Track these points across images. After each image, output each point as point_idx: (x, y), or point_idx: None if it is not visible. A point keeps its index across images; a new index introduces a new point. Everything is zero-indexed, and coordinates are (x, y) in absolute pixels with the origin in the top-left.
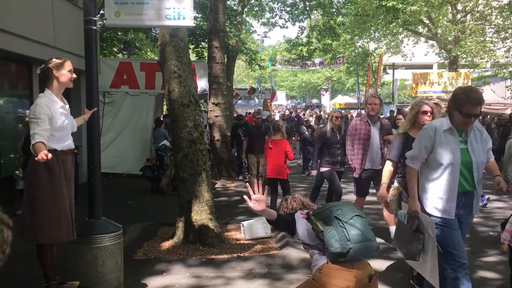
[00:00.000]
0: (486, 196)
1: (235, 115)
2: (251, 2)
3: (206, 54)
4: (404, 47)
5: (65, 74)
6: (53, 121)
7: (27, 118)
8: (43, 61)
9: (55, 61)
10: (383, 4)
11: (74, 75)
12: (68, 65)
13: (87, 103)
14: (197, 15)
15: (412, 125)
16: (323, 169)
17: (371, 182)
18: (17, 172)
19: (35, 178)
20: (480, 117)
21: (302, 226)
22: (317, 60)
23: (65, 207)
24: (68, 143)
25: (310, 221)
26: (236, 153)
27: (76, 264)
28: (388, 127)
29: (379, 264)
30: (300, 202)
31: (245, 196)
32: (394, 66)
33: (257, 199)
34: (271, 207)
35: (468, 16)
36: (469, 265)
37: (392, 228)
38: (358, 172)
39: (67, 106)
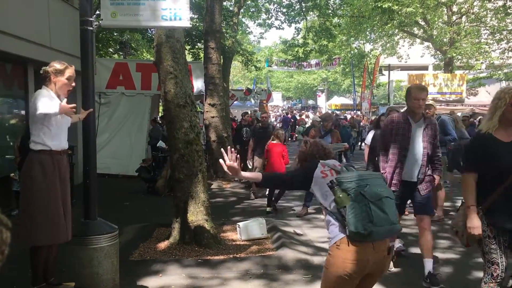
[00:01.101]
0: None
1: (232, 116)
2: (247, 3)
3: (202, 55)
4: (400, 48)
5: (62, 81)
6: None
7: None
8: (38, 62)
9: (55, 66)
10: (379, 5)
11: (73, 84)
12: (69, 73)
13: (83, 104)
14: (193, 16)
15: (499, 122)
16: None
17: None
18: (12, 174)
19: (30, 179)
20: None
21: (320, 188)
22: (313, 61)
23: (59, 208)
24: (62, 143)
25: (333, 191)
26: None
27: (71, 265)
28: (435, 127)
29: None
30: (322, 148)
31: (220, 160)
32: (389, 68)
33: (229, 165)
34: (269, 197)
35: (464, 18)
36: (465, 266)
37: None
38: (393, 185)
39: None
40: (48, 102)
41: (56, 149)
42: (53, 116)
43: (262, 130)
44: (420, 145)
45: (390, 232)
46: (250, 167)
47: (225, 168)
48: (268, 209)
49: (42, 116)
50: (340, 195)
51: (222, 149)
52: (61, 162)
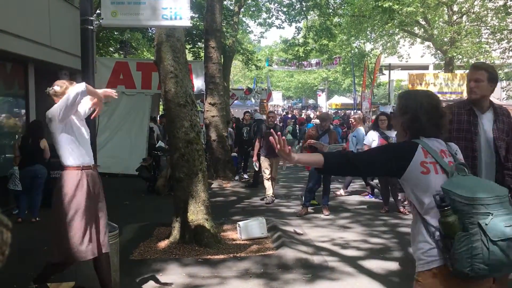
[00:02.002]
0: None
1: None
2: (248, 2)
3: (202, 54)
4: (400, 48)
5: None
6: (72, 123)
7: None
8: (39, 61)
9: (55, 89)
10: (379, 4)
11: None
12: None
13: None
14: (193, 15)
15: None
16: None
17: None
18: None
19: (61, 196)
20: None
21: (416, 185)
22: (313, 61)
23: (86, 225)
24: (91, 158)
25: (442, 212)
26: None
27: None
28: (509, 119)
29: (377, 264)
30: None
31: (271, 138)
32: (390, 67)
33: (280, 149)
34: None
35: (464, 18)
36: None
37: None
38: None
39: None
40: (63, 100)
41: (87, 164)
42: (82, 96)
43: (269, 131)
44: (491, 144)
45: (505, 271)
46: (256, 168)
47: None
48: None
49: (73, 101)
50: (450, 220)
51: (272, 131)
52: (93, 177)
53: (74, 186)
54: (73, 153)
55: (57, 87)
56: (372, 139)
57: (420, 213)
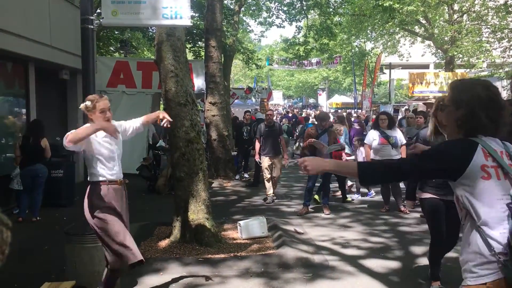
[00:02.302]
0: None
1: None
2: (248, 1)
3: (203, 53)
4: (401, 47)
5: (97, 116)
6: (93, 147)
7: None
8: (39, 60)
9: (86, 104)
10: (380, 3)
11: (109, 114)
12: (100, 106)
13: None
14: (194, 14)
15: None
16: (426, 196)
17: None
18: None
19: (91, 209)
20: None
21: (477, 193)
22: (314, 60)
23: (124, 236)
24: (117, 172)
25: (507, 270)
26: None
27: (72, 263)
28: None
29: (378, 264)
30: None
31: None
32: (390, 66)
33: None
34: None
35: (465, 16)
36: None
37: None
38: None
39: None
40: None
41: (113, 179)
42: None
43: (268, 129)
44: None
45: None
46: (260, 164)
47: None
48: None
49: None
50: None
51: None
52: (119, 191)
53: (101, 200)
54: (94, 169)
55: (88, 102)
56: (373, 138)
57: (477, 223)
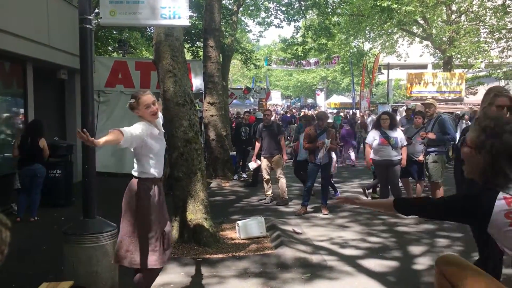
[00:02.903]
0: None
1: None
2: (247, 1)
3: (201, 53)
4: (399, 47)
5: (143, 111)
6: (149, 143)
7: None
8: (37, 60)
9: (130, 103)
10: (378, 4)
11: (154, 107)
12: (143, 102)
13: (81, 102)
14: (192, 14)
15: None
16: None
17: None
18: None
19: (135, 204)
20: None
21: (506, 239)
22: (312, 60)
23: (158, 232)
24: (161, 170)
25: None
26: (235, 153)
27: (70, 263)
28: None
29: (376, 263)
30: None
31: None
32: (389, 66)
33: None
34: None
35: (463, 17)
36: None
37: None
38: None
39: (162, 131)
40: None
41: (159, 176)
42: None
43: (265, 129)
44: None
45: None
46: (251, 168)
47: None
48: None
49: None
50: None
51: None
52: (161, 187)
53: (147, 195)
54: (142, 166)
55: (131, 100)
56: (374, 138)
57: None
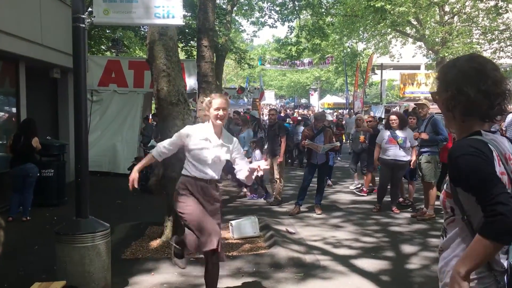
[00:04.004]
0: None
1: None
2: (241, 1)
3: (195, 52)
4: (392, 48)
5: (211, 112)
6: (188, 149)
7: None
8: (30, 59)
9: (205, 100)
10: (372, 4)
11: (220, 113)
12: (216, 104)
13: (74, 101)
14: (186, 13)
15: None
16: None
17: None
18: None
19: (177, 195)
20: None
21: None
22: (306, 60)
23: (201, 221)
24: (208, 174)
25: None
26: None
27: (62, 263)
28: None
29: (369, 263)
30: None
31: None
32: (382, 67)
33: None
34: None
35: (456, 18)
36: None
37: None
38: None
39: (220, 141)
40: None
41: (202, 178)
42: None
43: (268, 129)
44: None
45: None
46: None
47: None
48: None
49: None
50: None
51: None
52: (206, 189)
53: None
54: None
55: (207, 98)
56: (383, 138)
57: (472, 225)
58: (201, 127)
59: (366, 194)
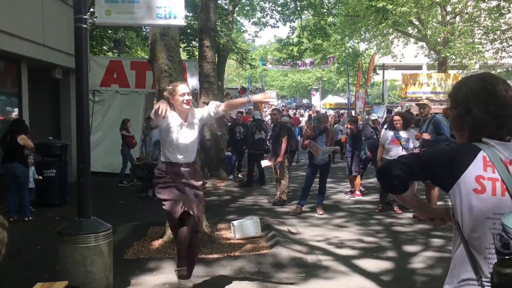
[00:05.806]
0: None
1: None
2: (242, 1)
3: (197, 53)
4: (394, 48)
5: (177, 99)
6: (167, 131)
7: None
8: (32, 59)
9: (168, 89)
10: (373, 4)
11: (187, 98)
12: (180, 90)
13: (76, 102)
14: (188, 14)
15: None
16: None
17: None
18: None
19: (155, 179)
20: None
21: (464, 205)
22: (307, 60)
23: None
24: (182, 158)
25: (501, 259)
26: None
27: (64, 263)
28: None
29: (371, 263)
30: None
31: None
32: (384, 67)
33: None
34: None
35: (457, 18)
36: None
37: None
38: None
39: (192, 122)
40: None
41: (177, 161)
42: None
43: (272, 130)
44: None
45: None
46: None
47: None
48: None
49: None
50: (508, 272)
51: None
52: (181, 171)
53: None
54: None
55: (169, 86)
56: (386, 138)
57: (465, 240)
58: (172, 115)
59: (360, 196)
